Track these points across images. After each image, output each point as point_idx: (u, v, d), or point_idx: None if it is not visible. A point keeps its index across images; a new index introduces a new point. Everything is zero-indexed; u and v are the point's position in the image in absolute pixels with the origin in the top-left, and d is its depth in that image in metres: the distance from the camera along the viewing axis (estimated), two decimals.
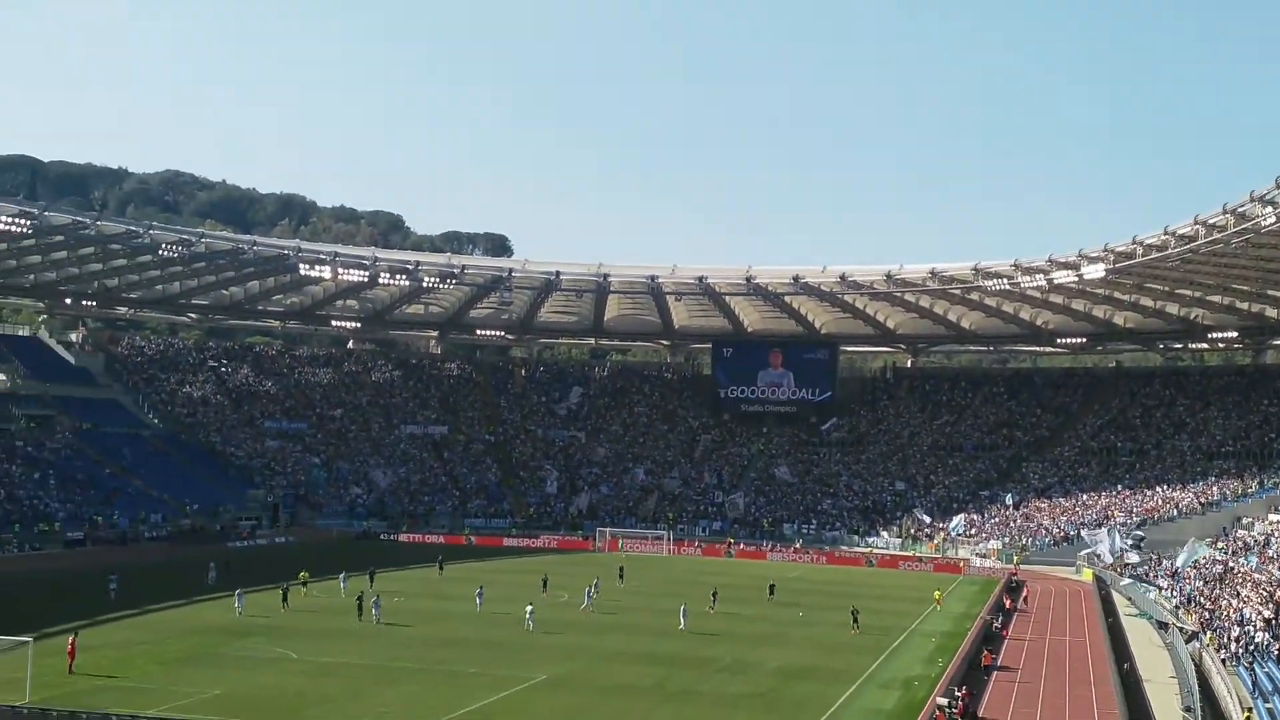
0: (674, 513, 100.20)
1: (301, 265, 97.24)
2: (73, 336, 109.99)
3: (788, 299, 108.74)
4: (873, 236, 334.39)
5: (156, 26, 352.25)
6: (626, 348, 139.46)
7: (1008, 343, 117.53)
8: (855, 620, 52.57)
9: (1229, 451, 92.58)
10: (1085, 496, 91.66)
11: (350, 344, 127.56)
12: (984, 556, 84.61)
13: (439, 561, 70.16)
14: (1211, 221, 67.58)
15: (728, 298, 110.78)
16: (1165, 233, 72.32)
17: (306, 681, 38.50)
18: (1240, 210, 64.34)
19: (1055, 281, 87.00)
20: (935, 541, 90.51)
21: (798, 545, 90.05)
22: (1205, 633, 48.14)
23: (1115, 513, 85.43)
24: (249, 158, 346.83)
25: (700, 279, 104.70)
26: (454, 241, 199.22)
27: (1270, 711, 34.93)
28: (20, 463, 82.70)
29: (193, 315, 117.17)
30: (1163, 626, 53.29)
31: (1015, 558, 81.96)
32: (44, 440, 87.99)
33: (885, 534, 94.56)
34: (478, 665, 42.18)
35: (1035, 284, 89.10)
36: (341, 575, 60.08)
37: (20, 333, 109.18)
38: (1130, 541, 73.57)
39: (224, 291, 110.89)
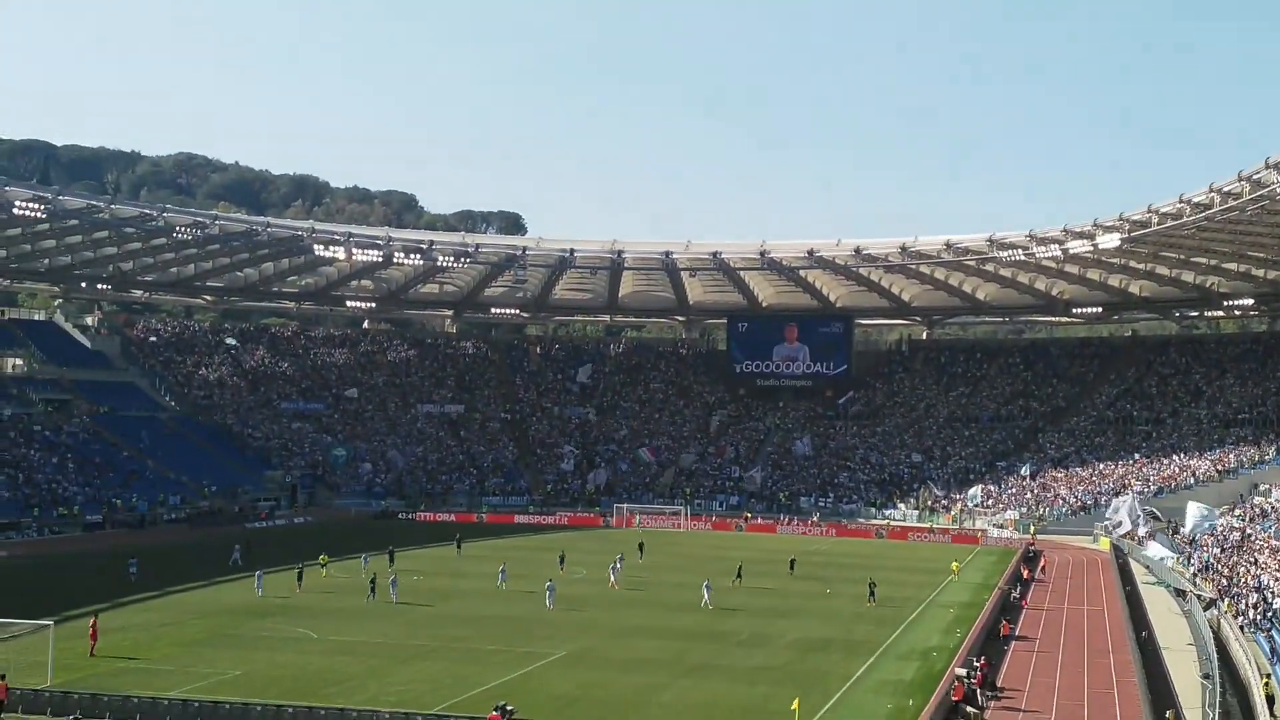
0: (691, 488, 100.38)
1: (316, 246, 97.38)
2: (88, 320, 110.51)
3: (802, 273, 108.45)
4: (887, 209, 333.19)
5: (166, 8, 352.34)
6: (642, 324, 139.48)
7: (1023, 313, 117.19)
8: (872, 593, 52.66)
9: (1245, 419, 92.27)
10: (1102, 466, 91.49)
11: (365, 324, 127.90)
12: (1001, 527, 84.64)
13: (457, 540, 70.39)
14: (1227, 189, 67.10)
15: (742, 273, 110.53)
16: (1180, 201, 71.83)
17: (326, 661, 38.77)
18: (1256, 177, 63.83)
19: (1070, 251, 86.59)
20: (952, 513, 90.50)
21: (815, 519, 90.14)
22: (1223, 600, 48.09)
23: (1132, 482, 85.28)
24: (262, 139, 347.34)
25: (715, 254, 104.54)
26: (468, 220, 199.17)
27: None
28: (38, 447, 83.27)
29: (208, 297, 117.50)
30: (1180, 594, 53.24)
31: (1032, 528, 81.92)
32: (61, 424, 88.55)
33: (902, 506, 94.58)
34: (497, 643, 42.40)
35: (1050, 254, 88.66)
36: (363, 556, 60.30)
37: (36, 317, 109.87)
38: (1145, 512, 73.36)
39: (238, 273, 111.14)
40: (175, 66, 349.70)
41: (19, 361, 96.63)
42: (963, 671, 35.56)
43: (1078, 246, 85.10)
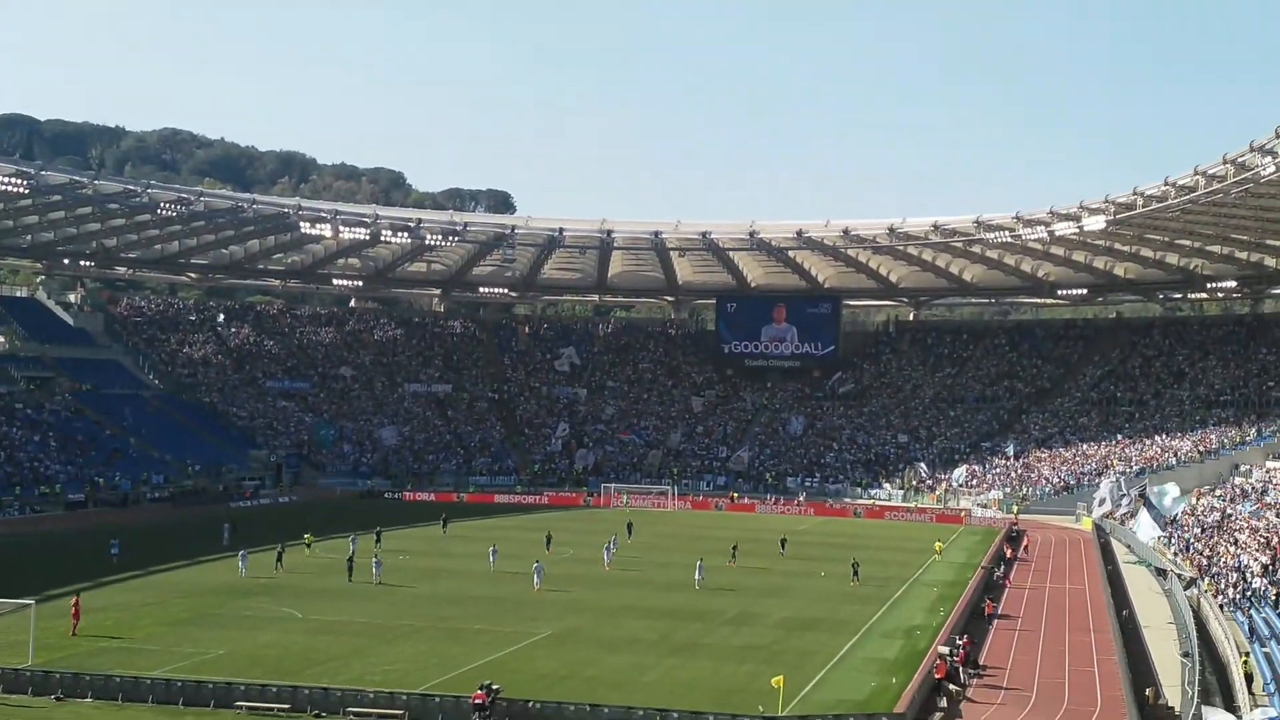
0: (678, 468, 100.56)
1: (302, 223, 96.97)
2: (71, 297, 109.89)
3: (791, 253, 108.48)
4: (876, 189, 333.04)
5: None
6: (631, 304, 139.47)
7: (1009, 295, 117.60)
8: (856, 573, 52.89)
9: (1227, 400, 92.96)
10: (1085, 446, 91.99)
11: (352, 303, 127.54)
12: (985, 507, 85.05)
13: (443, 520, 70.40)
14: (1211, 172, 67.39)
15: (731, 253, 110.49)
16: (1165, 183, 72.13)
17: (311, 640, 38.76)
18: (1240, 160, 64.13)
19: (1056, 233, 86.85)
20: (937, 493, 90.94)
21: (801, 499, 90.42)
22: (1203, 579, 48.47)
23: (1115, 462, 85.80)
24: (248, 115, 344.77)
25: (704, 234, 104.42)
26: (456, 198, 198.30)
27: (1267, 656, 35.18)
28: (20, 425, 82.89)
29: (192, 275, 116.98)
30: (1161, 573, 53.63)
31: (1015, 507, 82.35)
32: (44, 402, 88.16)
33: (888, 486, 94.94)
34: (483, 622, 42.45)
35: (1036, 236, 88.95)
36: (352, 536, 59.94)
37: (18, 294, 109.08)
38: (1130, 493, 73.76)
39: (224, 250, 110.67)
40: (161, 41, 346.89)
41: (0, 339, 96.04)
42: (945, 650, 35.79)
43: (1064, 228, 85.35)
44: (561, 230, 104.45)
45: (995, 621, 44.46)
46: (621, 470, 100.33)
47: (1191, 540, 57.83)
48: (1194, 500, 67.04)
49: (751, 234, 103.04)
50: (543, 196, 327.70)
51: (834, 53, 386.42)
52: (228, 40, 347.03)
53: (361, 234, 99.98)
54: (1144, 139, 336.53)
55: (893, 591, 51.14)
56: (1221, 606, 43.66)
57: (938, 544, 63.71)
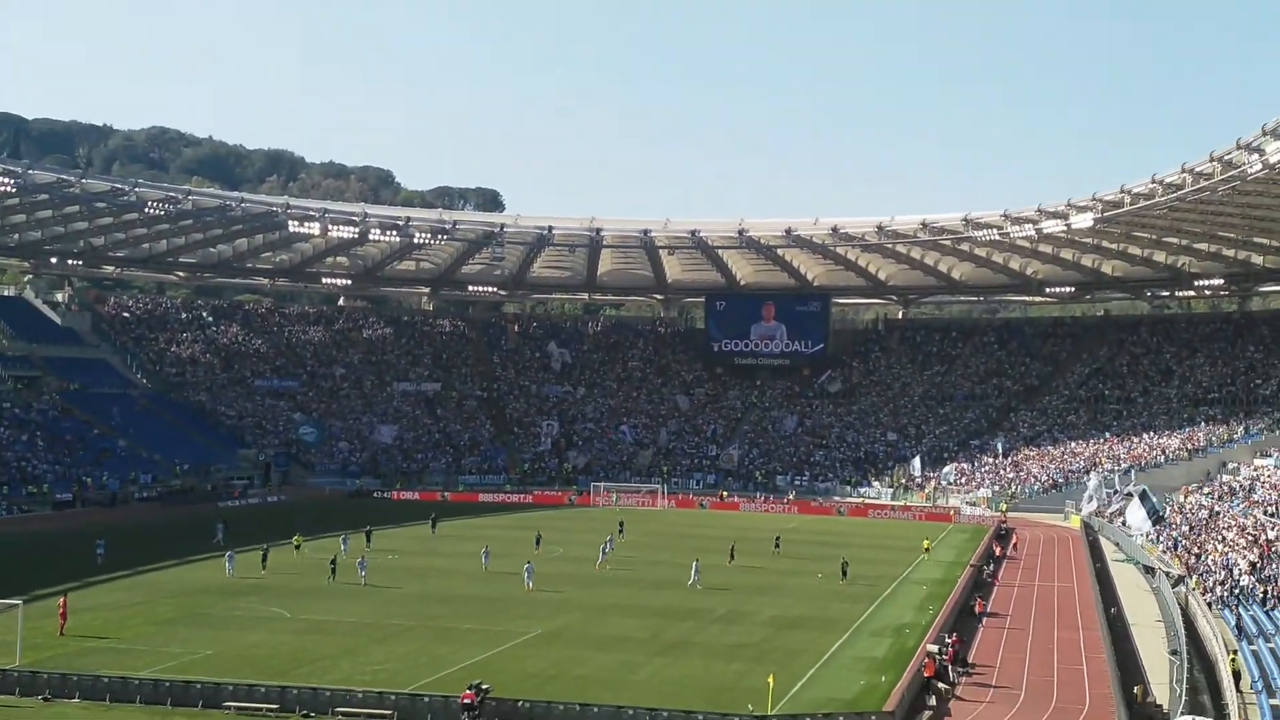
0: (668, 466, 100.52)
1: (290, 222, 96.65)
2: (59, 296, 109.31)
3: (780, 251, 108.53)
4: (865, 188, 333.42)
5: None
6: (620, 302, 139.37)
7: (997, 293, 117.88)
8: (844, 572, 52.95)
9: (1215, 398, 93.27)
10: (1073, 444, 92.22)
11: (341, 301, 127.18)
12: (974, 505, 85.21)
13: (432, 519, 70.27)
14: (1198, 170, 67.50)
15: (720, 251, 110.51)
16: (1153, 181, 72.25)
17: (300, 640, 38.68)
18: (1227, 158, 64.29)
19: (1044, 231, 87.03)
20: (926, 491, 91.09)
21: (790, 497, 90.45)
22: (1191, 577, 48.62)
23: (1103, 460, 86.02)
24: (236, 114, 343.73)
25: (693, 232, 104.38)
26: (445, 197, 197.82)
27: (1254, 653, 35.32)
28: (7, 424, 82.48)
29: (180, 274, 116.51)
30: (1149, 571, 53.79)
31: (1003, 505, 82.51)
32: (31, 401, 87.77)
33: (877, 484, 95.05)
34: (472, 622, 42.40)
35: (1024, 234, 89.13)
36: (342, 536, 59.76)
37: (5, 293, 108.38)
38: (1116, 491, 73.91)
39: (212, 249, 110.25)
40: (148, 39, 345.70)
41: None
42: (934, 648, 35.84)
43: (1052, 226, 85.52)
44: (550, 228, 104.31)
45: (984, 619, 44.55)
46: (612, 469, 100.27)
47: (1179, 538, 58.00)
48: (1182, 498, 67.22)
49: (740, 232, 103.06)
50: (532, 195, 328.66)
51: (824, 52, 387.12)
52: (215, 39, 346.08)
53: (350, 232, 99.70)
54: (1131, 137, 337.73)
55: (882, 590, 51.21)
56: (1209, 604, 43.81)
57: (925, 542, 63.85)
